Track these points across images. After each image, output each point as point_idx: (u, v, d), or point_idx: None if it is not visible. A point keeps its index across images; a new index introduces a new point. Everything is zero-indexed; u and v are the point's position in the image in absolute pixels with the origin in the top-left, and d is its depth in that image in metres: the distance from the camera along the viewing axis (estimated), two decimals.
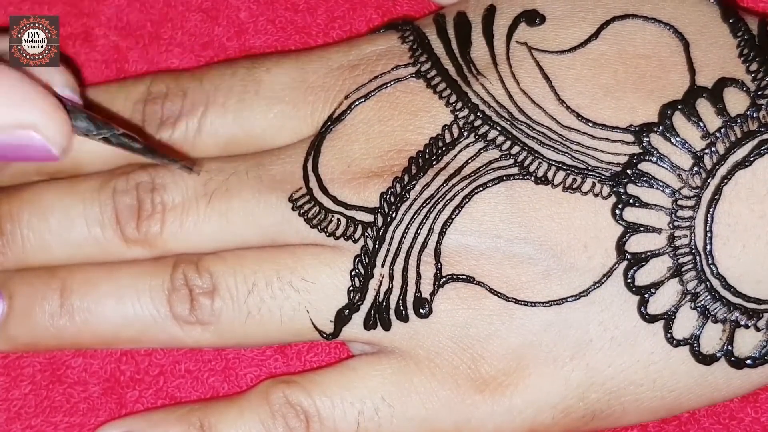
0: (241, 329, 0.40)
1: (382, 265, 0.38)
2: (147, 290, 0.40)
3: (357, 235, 0.39)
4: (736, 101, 0.37)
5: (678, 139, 0.37)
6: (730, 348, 0.37)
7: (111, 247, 0.41)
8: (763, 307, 0.37)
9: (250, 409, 0.39)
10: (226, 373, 0.43)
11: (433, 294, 0.38)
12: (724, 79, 0.38)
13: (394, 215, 0.38)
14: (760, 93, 0.37)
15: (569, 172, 0.37)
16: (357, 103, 0.40)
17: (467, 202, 0.38)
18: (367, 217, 0.38)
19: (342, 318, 0.39)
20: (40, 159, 0.34)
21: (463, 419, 0.38)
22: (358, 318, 0.39)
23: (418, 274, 0.38)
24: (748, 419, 0.42)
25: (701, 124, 0.37)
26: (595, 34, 0.39)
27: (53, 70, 0.36)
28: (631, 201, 0.37)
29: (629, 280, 0.37)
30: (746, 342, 0.37)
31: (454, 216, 0.38)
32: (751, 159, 0.37)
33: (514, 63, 0.39)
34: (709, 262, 0.37)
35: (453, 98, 0.39)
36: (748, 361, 0.37)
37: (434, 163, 0.38)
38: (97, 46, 0.46)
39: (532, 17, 0.39)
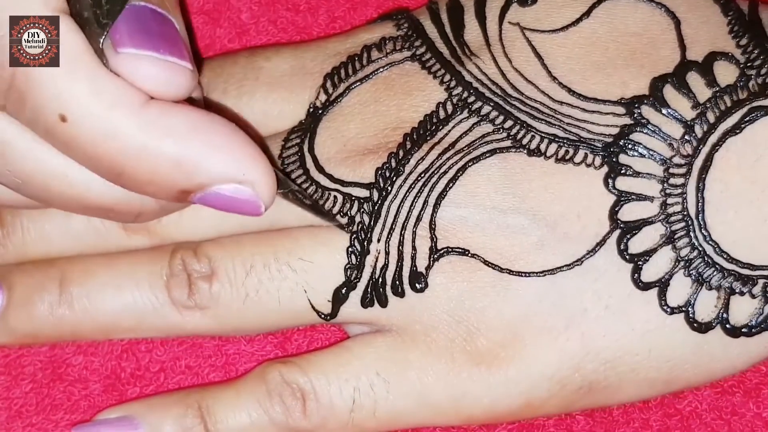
0: (240, 312, 0.40)
1: (378, 240, 0.39)
2: (146, 277, 0.40)
3: (353, 212, 0.39)
4: (726, 73, 0.38)
5: (669, 109, 0.37)
6: (725, 316, 0.37)
7: (111, 237, 0.41)
8: (757, 273, 0.37)
9: (246, 390, 0.39)
10: (226, 369, 0.42)
11: (428, 268, 0.38)
12: (714, 53, 0.38)
13: (389, 189, 0.38)
14: (749, 65, 0.38)
15: (561, 143, 0.38)
16: (353, 86, 0.40)
17: (461, 175, 0.38)
18: (363, 193, 0.39)
19: (339, 297, 0.39)
20: (245, 212, 0.35)
21: (459, 393, 0.38)
22: (355, 296, 0.39)
23: (414, 248, 0.38)
24: (750, 414, 0.41)
25: (691, 95, 0.37)
26: (587, 13, 0.39)
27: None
28: (623, 170, 0.37)
29: (622, 248, 0.37)
30: (742, 310, 0.37)
31: (448, 188, 0.38)
32: (742, 126, 0.37)
33: (507, 43, 0.39)
34: (702, 228, 0.37)
35: (447, 77, 0.39)
36: (744, 329, 0.37)
37: (429, 138, 0.39)
38: None
39: None
